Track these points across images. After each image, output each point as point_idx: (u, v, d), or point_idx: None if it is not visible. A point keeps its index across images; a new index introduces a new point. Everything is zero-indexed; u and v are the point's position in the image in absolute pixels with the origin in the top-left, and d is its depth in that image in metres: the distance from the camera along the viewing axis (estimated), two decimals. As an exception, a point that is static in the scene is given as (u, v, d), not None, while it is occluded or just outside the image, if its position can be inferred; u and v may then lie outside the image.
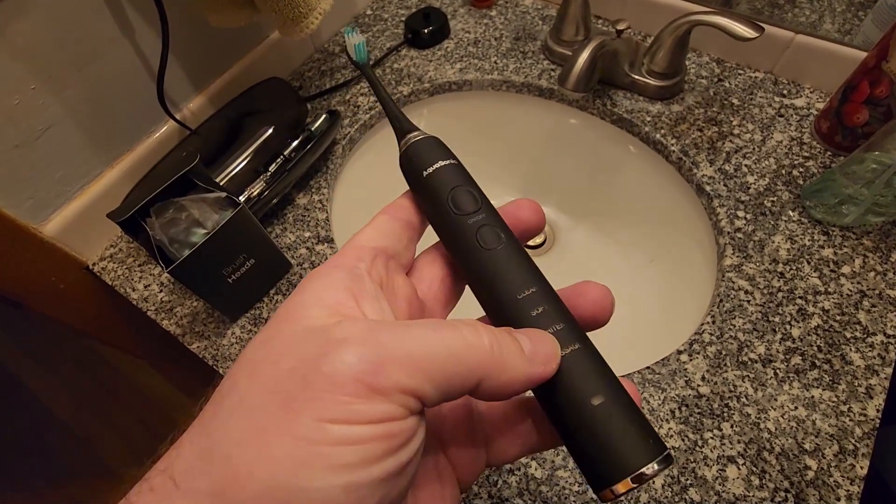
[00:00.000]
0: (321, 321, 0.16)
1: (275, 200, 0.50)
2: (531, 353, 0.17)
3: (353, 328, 0.15)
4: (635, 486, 0.16)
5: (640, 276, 0.58)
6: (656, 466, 0.16)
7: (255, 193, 0.50)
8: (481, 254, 0.19)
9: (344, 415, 0.14)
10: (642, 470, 0.16)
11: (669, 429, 0.38)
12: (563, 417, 0.17)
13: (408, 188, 0.23)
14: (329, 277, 0.18)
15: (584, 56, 0.49)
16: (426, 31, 0.63)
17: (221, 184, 0.49)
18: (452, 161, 0.21)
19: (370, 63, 0.25)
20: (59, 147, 0.46)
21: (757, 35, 0.45)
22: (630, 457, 0.16)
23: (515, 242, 0.20)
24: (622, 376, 0.40)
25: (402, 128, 0.23)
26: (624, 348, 0.52)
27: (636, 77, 0.56)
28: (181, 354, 0.51)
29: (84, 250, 0.51)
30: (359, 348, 0.15)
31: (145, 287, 0.50)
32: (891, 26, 0.44)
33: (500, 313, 0.19)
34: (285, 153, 0.51)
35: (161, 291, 0.49)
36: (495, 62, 0.61)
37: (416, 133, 0.22)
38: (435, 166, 0.21)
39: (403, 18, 0.66)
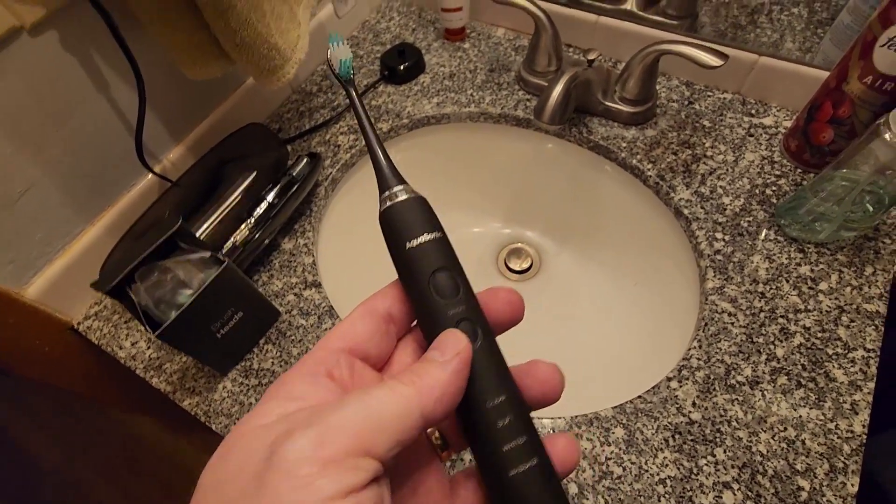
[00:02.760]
0: (272, 427, 0.17)
1: (260, 248, 0.50)
2: (444, 360, 0.18)
3: (297, 418, 0.16)
4: None
5: (626, 301, 0.59)
6: None
7: (240, 241, 0.50)
8: None
9: (306, 496, 0.14)
10: None
11: (664, 458, 0.39)
12: None
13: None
14: (289, 385, 0.18)
15: (558, 90, 0.50)
16: (402, 67, 0.64)
17: (205, 233, 0.49)
18: (438, 234, 0.20)
19: (354, 80, 0.25)
20: (39, 208, 0.46)
21: (721, 63, 0.46)
22: None
23: (492, 342, 0.20)
24: (616, 406, 0.40)
25: (385, 176, 0.21)
26: (614, 373, 0.53)
27: (609, 104, 0.57)
28: (174, 407, 0.51)
29: (68, 310, 0.51)
30: (305, 430, 0.15)
31: (132, 344, 0.49)
32: (849, 48, 0.45)
33: (467, 416, 0.19)
34: (269, 199, 0.52)
35: (149, 348, 0.49)
36: (471, 95, 0.62)
37: (399, 188, 0.21)
38: (420, 239, 0.20)
39: (379, 55, 0.67)
